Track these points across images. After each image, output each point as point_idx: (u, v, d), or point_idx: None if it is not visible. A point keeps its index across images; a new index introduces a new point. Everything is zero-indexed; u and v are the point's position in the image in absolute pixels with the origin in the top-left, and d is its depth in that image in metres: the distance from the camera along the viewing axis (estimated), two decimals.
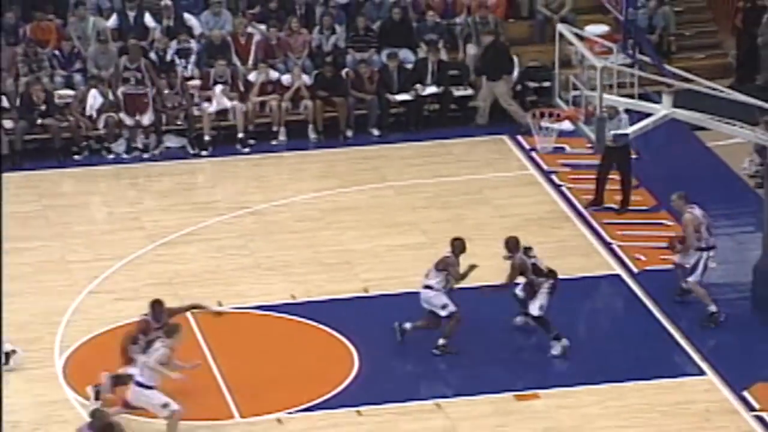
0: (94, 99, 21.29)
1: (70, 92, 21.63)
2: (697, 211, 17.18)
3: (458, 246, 16.39)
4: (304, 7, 22.89)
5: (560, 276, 17.74)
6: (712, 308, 16.94)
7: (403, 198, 19.63)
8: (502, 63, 22.34)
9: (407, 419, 15.02)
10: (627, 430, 15.10)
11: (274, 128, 21.75)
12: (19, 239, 18.65)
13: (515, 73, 22.57)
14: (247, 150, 21.43)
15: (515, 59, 22.59)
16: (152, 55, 21.90)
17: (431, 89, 22.14)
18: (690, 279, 17.00)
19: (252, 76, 21.90)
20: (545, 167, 20.96)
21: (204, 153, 21.40)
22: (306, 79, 21.87)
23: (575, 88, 21.73)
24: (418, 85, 22.05)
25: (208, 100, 21.67)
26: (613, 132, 20.06)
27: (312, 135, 21.82)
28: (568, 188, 20.37)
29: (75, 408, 15.22)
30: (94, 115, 21.25)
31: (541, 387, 15.67)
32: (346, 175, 20.58)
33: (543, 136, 21.12)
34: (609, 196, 19.74)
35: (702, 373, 16.00)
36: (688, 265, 17.01)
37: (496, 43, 22.47)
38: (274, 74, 21.95)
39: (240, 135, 21.54)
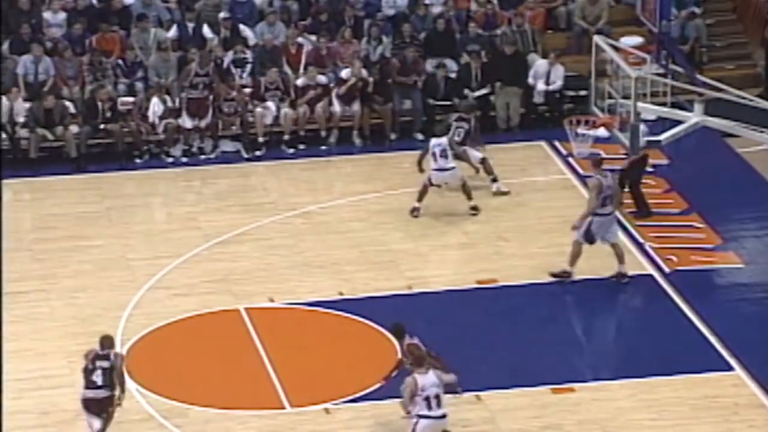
0: (155, 106, 21.40)
1: (132, 99, 21.78)
2: (605, 181, 17.37)
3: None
4: (353, 19, 22.94)
5: (595, 276, 17.76)
6: (568, 268, 17.29)
7: (445, 200, 19.60)
8: (516, 73, 22.23)
9: (450, 410, 14.99)
10: (658, 422, 15.02)
11: (323, 133, 21.81)
12: (83, 238, 18.80)
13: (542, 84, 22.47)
14: (292, 152, 21.48)
15: (560, 69, 22.48)
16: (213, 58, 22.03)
17: (482, 91, 22.12)
18: (575, 236, 17.22)
19: (300, 81, 21.97)
20: (581, 172, 20.89)
21: (257, 155, 21.47)
22: (365, 72, 21.89)
23: (610, 97, 21.69)
24: (466, 91, 22.04)
25: (262, 100, 21.73)
26: (646, 139, 20.00)
27: (357, 140, 21.86)
28: None
29: (135, 397, 15.29)
30: (156, 121, 21.37)
31: (576, 380, 15.62)
32: (392, 178, 20.58)
33: (579, 142, 21.10)
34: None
35: (730, 368, 15.90)
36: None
37: (516, 53, 22.40)
38: (321, 78, 21.99)
39: (286, 137, 21.60)
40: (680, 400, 15.29)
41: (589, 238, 17.39)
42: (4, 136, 20.97)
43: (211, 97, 21.51)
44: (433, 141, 19.48)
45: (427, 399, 13.67)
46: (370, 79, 21.89)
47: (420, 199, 19.27)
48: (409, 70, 22.20)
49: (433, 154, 19.24)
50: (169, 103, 21.46)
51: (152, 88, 21.65)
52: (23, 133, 20.99)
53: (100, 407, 14.24)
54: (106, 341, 14.37)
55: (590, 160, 17.98)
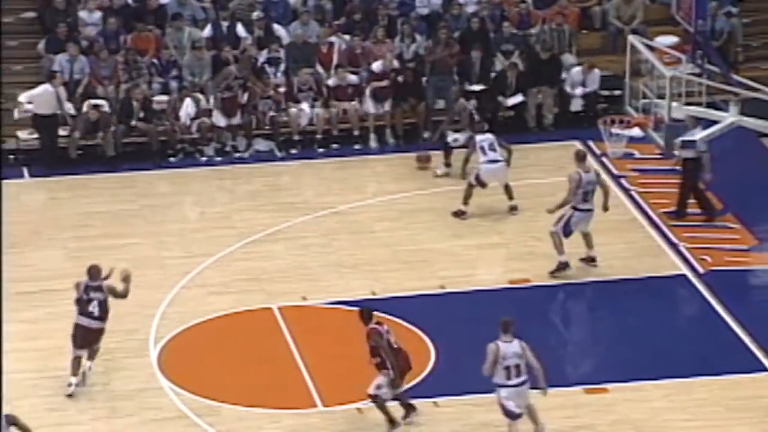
0: (188, 107, 21.44)
1: (166, 98, 21.83)
2: (585, 176, 17.37)
3: None
4: (387, 18, 22.93)
5: (629, 276, 17.69)
6: (562, 258, 17.27)
7: (478, 200, 19.55)
8: (551, 75, 22.13)
9: (481, 410, 14.96)
10: (693, 423, 14.93)
11: (355, 132, 21.81)
12: (118, 236, 18.86)
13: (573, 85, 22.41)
14: (324, 151, 21.50)
15: (596, 75, 22.39)
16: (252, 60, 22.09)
17: (516, 99, 22.05)
18: (552, 227, 17.30)
19: (331, 81, 21.97)
20: (615, 172, 20.80)
21: (291, 155, 21.50)
22: (396, 63, 21.86)
23: (645, 97, 21.59)
24: (501, 98, 22.01)
25: (295, 101, 21.77)
26: (681, 138, 19.89)
27: (390, 139, 21.84)
28: (637, 192, 20.20)
29: (168, 395, 15.32)
30: (188, 122, 21.41)
31: (610, 381, 15.55)
32: (424, 178, 20.55)
33: (613, 142, 21.01)
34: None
35: (765, 369, 15.79)
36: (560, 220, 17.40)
37: (552, 57, 22.30)
38: (352, 78, 21.98)
39: (319, 137, 21.61)
40: (715, 401, 15.20)
41: (567, 231, 17.45)
42: (69, 107, 20.83)
43: (245, 96, 21.54)
44: (479, 137, 19.49)
45: (507, 368, 13.93)
46: (399, 80, 21.81)
47: (466, 202, 19.17)
48: (445, 66, 22.12)
49: (482, 149, 19.24)
50: (203, 103, 21.50)
51: (186, 88, 21.70)
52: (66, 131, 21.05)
53: (89, 338, 14.85)
54: (94, 271, 14.85)
55: (574, 153, 17.92)
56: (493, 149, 19.28)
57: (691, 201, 19.28)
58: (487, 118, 20.98)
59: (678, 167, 19.57)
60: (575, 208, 17.42)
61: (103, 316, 15.08)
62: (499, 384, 13.99)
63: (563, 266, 17.48)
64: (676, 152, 19.20)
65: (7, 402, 14.00)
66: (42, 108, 20.79)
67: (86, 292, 15.00)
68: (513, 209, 19.24)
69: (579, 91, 22.29)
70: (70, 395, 15.11)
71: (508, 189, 19.40)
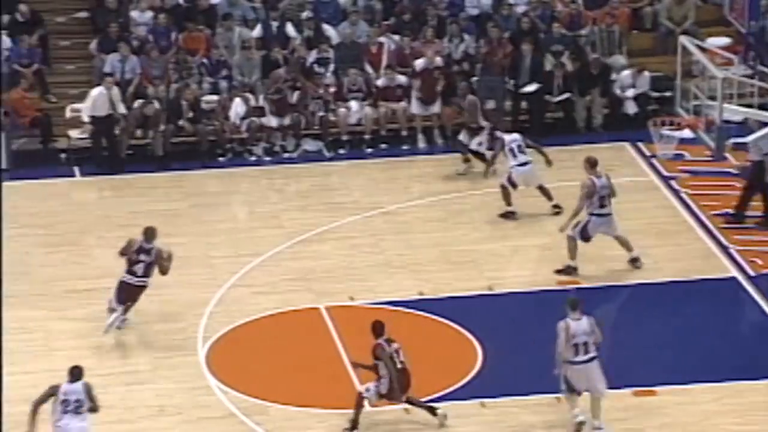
0: (237, 107, 21.51)
1: (216, 98, 21.92)
2: (599, 182, 17.23)
3: None
4: (436, 18, 22.90)
5: (679, 279, 17.55)
6: (571, 263, 17.18)
7: (528, 201, 19.47)
8: (599, 83, 22.03)
9: (528, 412, 14.90)
10: (744, 427, 14.79)
11: (403, 132, 21.80)
12: (166, 235, 18.84)
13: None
14: (372, 151, 21.51)
15: (646, 77, 22.24)
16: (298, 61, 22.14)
17: (562, 96, 21.97)
18: (569, 231, 17.21)
19: (380, 82, 21.97)
20: (665, 173, 20.67)
21: (339, 155, 21.52)
22: (439, 60, 21.83)
23: (696, 98, 21.44)
24: (547, 97, 21.94)
25: (345, 101, 21.79)
26: (732, 140, 19.73)
27: (439, 140, 21.82)
28: (688, 194, 20.06)
29: (216, 394, 15.37)
30: (237, 122, 21.47)
31: (659, 383, 15.44)
32: (472, 178, 20.49)
33: (664, 144, 20.89)
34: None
35: None
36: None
37: (603, 70, 22.16)
38: (401, 78, 21.97)
39: (367, 137, 21.65)
40: (766, 404, 15.05)
41: (585, 236, 17.35)
42: (122, 108, 20.90)
43: (294, 96, 21.58)
44: (507, 137, 19.39)
45: (575, 345, 14.14)
46: (441, 63, 21.71)
47: (509, 203, 19.10)
48: (495, 66, 22.04)
49: (511, 150, 19.14)
50: (252, 103, 21.56)
51: (236, 88, 21.77)
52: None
53: (130, 294, 15.58)
54: (150, 233, 15.47)
55: (585, 160, 17.65)
56: (522, 151, 19.12)
57: (756, 203, 19.00)
58: (535, 119, 20.91)
59: (736, 170, 19.35)
60: (592, 214, 17.29)
61: (147, 274, 15.90)
62: (568, 360, 14.24)
63: (570, 270, 17.37)
64: (752, 154, 18.96)
65: (7, 401, 14.09)
66: (97, 110, 20.92)
67: (137, 253, 15.72)
68: (556, 208, 19.10)
69: (631, 92, 22.12)
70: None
71: (544, 190, 19.25)
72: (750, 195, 19.14)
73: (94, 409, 13.96)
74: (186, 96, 21.38)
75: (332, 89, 21.96)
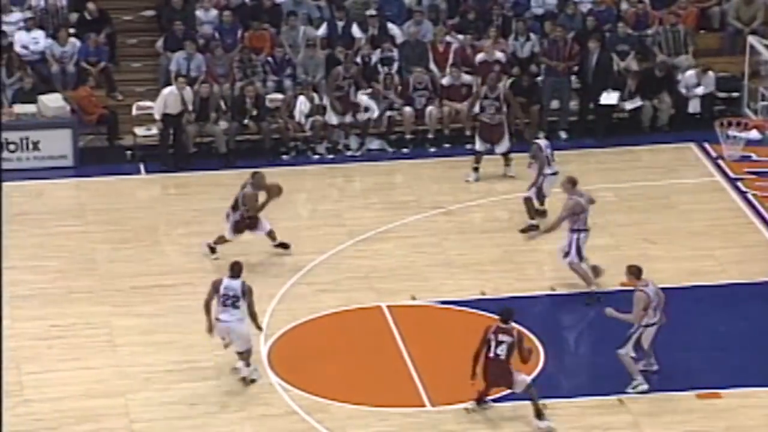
0: (302, 105, 21.59)
1: (280, 96, 22.02)
2: (582, 200, 17.02)
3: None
4: (501, 18, 22.84)
5: (744, 281, 17.39)
6: (593, 288, 16.88)
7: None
8: (665, 86, 21.84)
9: (591, 413, 14.85)
10: None
11: (467, 132, 21.75)
12: None
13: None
14: (435, 150, 21.50)
15: (711, 77, 22.01)
16: (358, 60, 22.14)
17: (635, 103, 21.78)
18: (567, 259, 17.01)
19: (446, 80, 21.97)
20: (731, 174, 20.49)
21: (403, 153, 21.54)
22: (500, 55, 21.75)
23: (764, 99, 21.24)
24: (604, 95, 21.76)
25: (410, 100, 21.83)
26: None
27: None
28: (754, 195, 19.86)
29: (278, 392, 15.44)
30: (302, 120, 21.55)
31: (723, 386, 15.31)
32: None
33: (730, 145, 20.71)
34: None
35: None
36: (564, 249, 17.05)
37: (667, 74, 21.94)
38: (466, 78, 21.95)
39: (430, 135, 21.64)
40: None
41: (582, 256, 17.08)
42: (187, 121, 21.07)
43: (358, 94, 21.60)
44: (542, 142, 19.12)
45: (654, 309, 14.99)
46: (503, 59, 21.60)
47: (533, 216, 18.65)
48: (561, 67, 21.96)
49: (547, 158, 18.73)
50: (316, 101, 21.63)
51: (300, 86, 21.85)
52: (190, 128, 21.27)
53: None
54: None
55: (567, 180, 17.24)
56: (553, 158, 18.86)
57: None
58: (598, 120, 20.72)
59: None
60: (580, 230, 17.09)
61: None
62: (646, 324, 15.00)
63: (595, 296, 16.94)
64: None
65: (122, 395, 14.24)
66: (169, 109, 21.06)
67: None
68: (531, 229, 18.54)
69: (700, 90, 21.88)
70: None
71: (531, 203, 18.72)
72: None
73: (252, 314, 15.23)
74: (248, 93, 21.50)
75: (399, 88, 21.97)
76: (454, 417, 14.99)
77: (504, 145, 20.27)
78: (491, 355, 14.44)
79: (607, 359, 15.61)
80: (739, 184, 20.24)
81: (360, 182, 20.91)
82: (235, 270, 15.39)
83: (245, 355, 15.42)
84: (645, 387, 15.16)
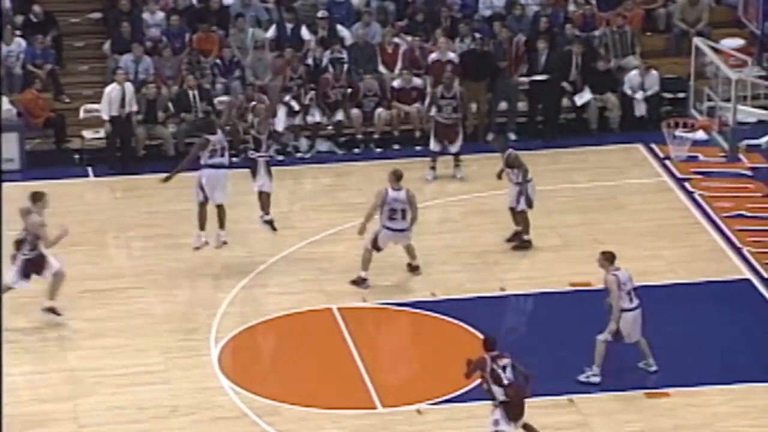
0: (282, 114, 21.36)
1: (227, 98, 21.90)
2: (392, 194, 17.10)
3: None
4: (450, 19, 22.90)
5: (692, 281, 17.54)
6: (362, 274, 17.27)
7: (540, 202, 19.45)
8: (609, 83, 22.01)
9: (541, 413, 14.90)
10: (756, 429, 14.78)
11: (417, 134, 21.79)
12: (181, 235, 18.96)
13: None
14: (380, 151, 21.52)
15: (654, 75, 22.17)
16: (309, 62, 22.09)
17: (583, 98, 21.89)
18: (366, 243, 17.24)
19: (396, 83, 22.01)
20: (679, 175, 20.65)
21: (353, 155, 21.54)
22: (452, 55, 21.80)
23: (710, 100, 21.42)
24: (577, 96, 21.89)
25: (359, 106, 21.86)
26: (745, 142, 19.69)
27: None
28: (701, 195, 20.04)
29: (228, 395, 15.40)
30: (280, 129, 21.34)
31: (672, 385, 15.44)
32: (486, 179, 20.48)
33: (677, 145, 20.88)
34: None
35: None
36: None
37: (608, 71, 22.09)
38: (416, 81, 22.00)
39: (376, 137, 21.70)
40: None
41: (376, 245, 17.35)
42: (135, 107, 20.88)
43: (307, 97, 21.56)
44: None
45: (629, 293, 15.13)
46: (455, 59, 21.63)
47: (523, 228, 18.42)
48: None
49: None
50: (296, 109, 21.45)
51: (252, 86, 21.56)
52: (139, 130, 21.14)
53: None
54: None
55: (392, 172, 17.40)
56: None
57: None
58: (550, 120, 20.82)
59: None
60: (384, 226, 17.26)
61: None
62: (624, 309, 15.16)
63: (361, 281, 17.31)
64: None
65: (71, 399, 14.16)
66: (114, 108, 20.94)
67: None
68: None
69: (640, 95, 22.06)
70: None
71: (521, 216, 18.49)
72: None
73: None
74: (189, 83, 21.26)
75: (349, 90, 21.96)
76: (406, 418, 15.01)
77: (457, 145, 20.36)
78: (505, 383, 14.00)
79: (556, 359, 15.70)
80: (686, 184, 20.41)
81: (310, 184, 20.89)
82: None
83: None
84: (597, 380, 15.26)
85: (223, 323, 16.80)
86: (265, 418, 15.01)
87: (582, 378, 15.27)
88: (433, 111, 20.42)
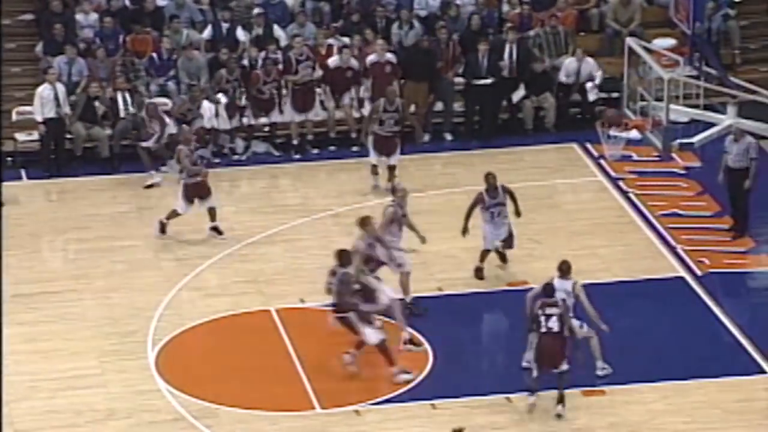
0: (209, 110, 21.22)
1: (166, 100, 21.79)
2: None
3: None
4: (384, 20, 22.92)
5: (627, 279, 17.71)
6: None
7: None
8: (545, 85, 22.14)
9: (479, 413, 15.00)
10: (690, 426, 14.96)
11: (353, 134, 21.78)
12: (116, 238, 18.88)
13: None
14: (317, 152, 21.49)
15: (591, 62, 22.29)
16: (245, 63, 22.00)
17: (518, 95, 21.98)
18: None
19: (331, 61, 21.61)
20: (613, 174, 20.83)
21: (289, 157, 21.51)
22: (390, 56, 21.79)
23: (643, 99, 21.62)
24: (514, 93, 21.97)
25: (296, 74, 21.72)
26: (678, 141, 19.88)
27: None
28: (635, 194, 20.22)
29: (166, 397, 15.34)
30: (216, 125, 21.24)
31: (607, 383, 15.57)
32: (423, 179, 20.55)
33: (611, 144, 21.06)
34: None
35: (763, 371, 15.83)
36: None
37: (545, 72, 22.21)
38: (353, 62, 21.67)
39: (310, 137, 21.58)
40: (713, 404, 15.23)
41: None
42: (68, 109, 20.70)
43: (243, 98, 21.50)
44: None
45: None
46: (393, 59, 21.65)
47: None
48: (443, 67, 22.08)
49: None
50: (223, 100, 21.30)
51: (195, 87, 21.42)
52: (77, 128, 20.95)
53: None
54: (344, 257, 15.51)
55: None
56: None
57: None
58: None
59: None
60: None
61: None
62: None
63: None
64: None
65: (6, 404, 13.97)
66: (47, 109, 20.77)
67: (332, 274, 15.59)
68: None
69: (590, 85, 22.12)
70: None
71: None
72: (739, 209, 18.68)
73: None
74: (118, 86, 21.07)
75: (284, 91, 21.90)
76: (344, 419, 15.03)
77: (395, 158, 20.28)
78: (543, 330, 14.32)
79: (496, 359, 15.79)
80: (621, 183, 20.59)
81: (246, 186, 20.85)
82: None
83: None
84: (609, 371, 15.58)
85: (160, 326, 16.74)
86: (203, 421, 14.97)
87: (600, 373, 15.54)
88: (376, 126, 20.22)
